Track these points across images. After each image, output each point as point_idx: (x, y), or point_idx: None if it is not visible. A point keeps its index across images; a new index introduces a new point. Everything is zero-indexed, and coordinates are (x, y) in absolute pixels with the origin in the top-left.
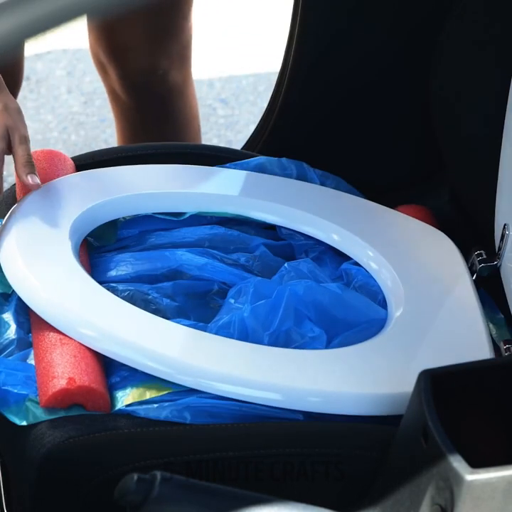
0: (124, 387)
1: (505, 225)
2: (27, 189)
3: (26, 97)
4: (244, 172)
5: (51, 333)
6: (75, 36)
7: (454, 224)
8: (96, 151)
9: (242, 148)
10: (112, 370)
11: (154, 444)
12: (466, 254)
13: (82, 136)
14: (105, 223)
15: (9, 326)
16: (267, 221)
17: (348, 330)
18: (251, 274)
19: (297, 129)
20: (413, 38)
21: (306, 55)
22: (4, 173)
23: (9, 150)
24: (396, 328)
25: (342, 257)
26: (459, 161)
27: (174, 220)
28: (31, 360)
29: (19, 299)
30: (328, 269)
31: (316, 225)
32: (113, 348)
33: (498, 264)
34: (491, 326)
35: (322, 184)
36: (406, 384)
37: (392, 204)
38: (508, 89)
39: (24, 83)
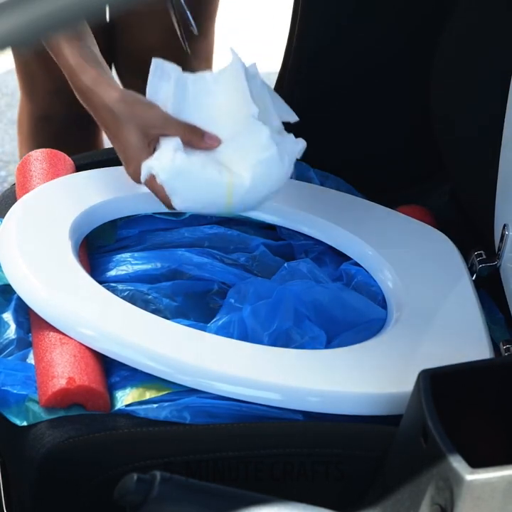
0: (123, 387)
1: (505, 225)
2: (27, 189)
3: None
4: None
5: (51, 333)
6: None
7: (454, 224)
8: (96, 151)
9: None
10: (112, 370)
11: (154, 444)
12: (466, 254)
13: None
14: (105, 223)
15: (9, 325)
16: (267, 221)
17: (347, 330)
18: (251, 274)
19: (297, 129)
20: (413, 39)
21: (306, 56)
22: (4, 173)
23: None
24: (396, 328)
25: (342, 257)
26: (459, 162)
27: (174, 220)
28: (31, 360)
29: (19, 299)
30: (327, 269)
31: (316, 225)
32: (113, 348)
33: (498, 265)
34: (490, 326)
35: (322, 184)
36: (406, 384)
37: (392, 204)
38: (508, 89)
39: None
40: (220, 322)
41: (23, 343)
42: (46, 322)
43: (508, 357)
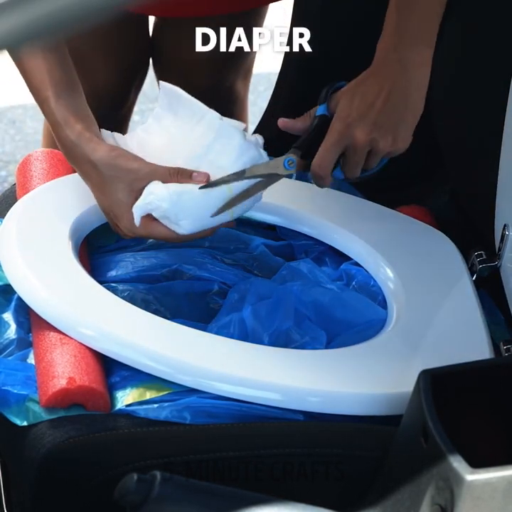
0: (124, 387)
1: (505, 225)
2: (27, 189)
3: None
4: None
5: (51, 333)
6: None
7: (454, 224)
8: None
9: None
10: (112, 370)
11: (154, 444)
12: (466, 254)
13: None
14: (105, 223)
15: (9, 325)
16: (267, 221)
17: (347, 330)
18: (251, 274)
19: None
20: None
21: (305, 56)
22: (4, 173)
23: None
24: (396, 329)
25: (342, 257)
26: (459, 161)
27: None
28: (31, 360)
29: (19, 299)
30: (328, 269)
31: (316, 225)
32: (113, 348)
33: (498, 265)
34: (490, 326)
35: None
36: (406, 384)
37: (392, 204)
38: (508, 89)
39: None
40: (221, 322)
41: (24, 343)
42: (46, 322)
43: (508, 357)
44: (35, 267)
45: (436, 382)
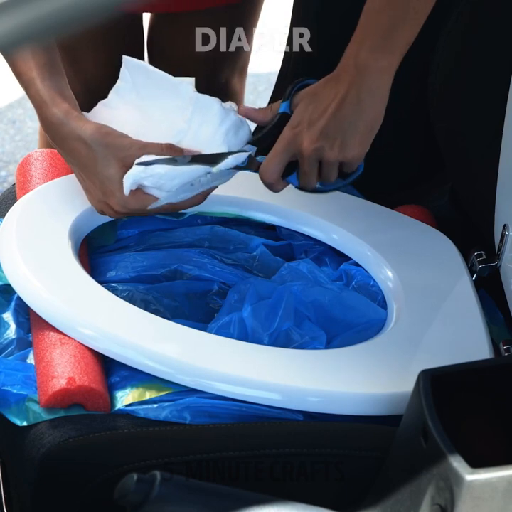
0: (124, 387)
1: (505, 225)
2: (27, 189)
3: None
4: (244, 172)
5: (51, 333)
6: None
7: (454, 224)
8: None
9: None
10: (112, 370)
11: (154, 444)
12: (466, 254)
13: None
14: (105, 223)
15: (9, 325)
16: (267, 221)
17: (347, 330)
18: (251, 274)
19: None
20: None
21: (305, 56)
22: (4, 173)
23: None
24: (396, 329)
25: (342, 257)
26: (458, 161)
27: (174, 220)
28: (31, 360)
29: (19, 299)
30: (328, 269)
31: (315, 225)
32: (113, 348)
33: (498, 265)
34: (490, 326)
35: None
36: (406, 384)
37: (392, 204)
38: (508, 89)
39: None
40: (220, 322)
41: (23, 343)
42: (46, 322)
43: (508, 357)
44: (35, 267)
45: (436, 382)
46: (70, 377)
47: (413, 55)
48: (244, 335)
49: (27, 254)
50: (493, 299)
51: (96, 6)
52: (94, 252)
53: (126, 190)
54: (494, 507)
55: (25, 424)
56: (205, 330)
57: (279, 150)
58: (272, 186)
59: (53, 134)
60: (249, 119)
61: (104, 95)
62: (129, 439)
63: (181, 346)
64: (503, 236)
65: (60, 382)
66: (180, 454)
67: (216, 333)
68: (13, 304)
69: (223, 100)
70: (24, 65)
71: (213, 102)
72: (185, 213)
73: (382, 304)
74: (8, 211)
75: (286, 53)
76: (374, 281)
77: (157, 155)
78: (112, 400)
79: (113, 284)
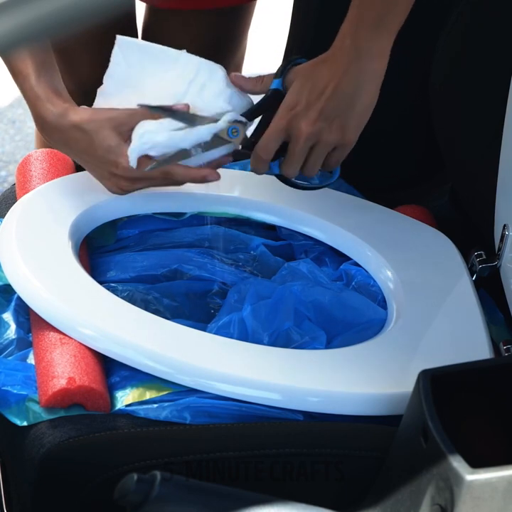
0: (124, 387)
1: (505, 225)
2: (27, 189)
3: None
4: (244, 172)
5: (51, 333)
6: None
7: (454, 224)
8: None
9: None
10: (112, 370)
11: (154, 444)
12: (465, 254)
13: None
14: (105, 223)
15: (9, 325)
16: (267, 221)
17: (347, 330)
18: (251, 274)
19: None
20: (413, 39)
21: (305, 56)
22: (4, 173)
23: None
24: (396, 328)
25: (342, 257)
26: (459, 162)
27: (174, 220)
28: (31, 360)
29: (19, 299)
30: (328, 269)
31: (315, 225)
32: (113, 348)
33: (498, 265)
34: (490, 326)
35: None
36: (406, 384)
37: (392, 204)
38: (508, 89)
39: None
40: (221, 322)
41: (23, 343)
42: (46, 322)
43: (508, 357)
44: (35, 267)
45: (436, 382)
46: (70, 377)
47: (413, 55)
48: (244, 335)
49: (27, 254)
50: (493, 298)
51: (96, 6)
52: (95, 252)
53: (133, 162)
54: (494, 507)
55: (25, 424)
56: (205, 330)
57: (278, 127)
58: (261, 165)
59: (49, 130)
60: (238, 87)
61: None
62: (129, 439)
63: (181, 346)
64: (503, 236)
65: (60, 382)
66: (180, 454)
67: (216, 333)
68: (13, 304)
69: None
70: (20, 64)
71: (218, 68)
72: (185, 213)
73: (382, 304)
74: (8, 211)
75: (286, 51)
76: (374, 281)
77: (147, 119)
78: (112, 400)
79: (113, 284)
